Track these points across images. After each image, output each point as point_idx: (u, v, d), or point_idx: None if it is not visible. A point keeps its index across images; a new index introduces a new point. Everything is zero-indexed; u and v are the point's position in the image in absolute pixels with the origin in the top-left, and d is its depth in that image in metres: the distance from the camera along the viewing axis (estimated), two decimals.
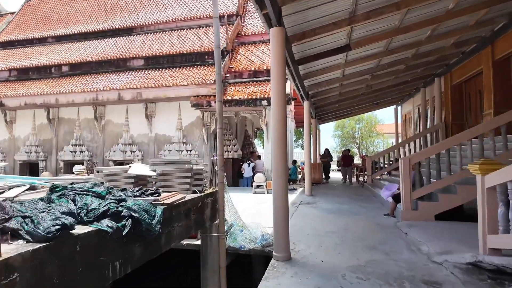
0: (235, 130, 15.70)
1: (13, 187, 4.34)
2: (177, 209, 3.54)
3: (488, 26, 7.32)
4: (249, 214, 7.10)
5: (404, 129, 17.78)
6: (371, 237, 5.17)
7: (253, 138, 19.67)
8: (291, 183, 12.85)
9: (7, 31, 20.80)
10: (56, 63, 16.63)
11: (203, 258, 4.78)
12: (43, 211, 2.27)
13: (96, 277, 2.33)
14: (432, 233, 5.14)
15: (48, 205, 2.41)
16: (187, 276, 5.85)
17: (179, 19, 17.01)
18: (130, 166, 4.41)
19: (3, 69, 17.44)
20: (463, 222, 5.84)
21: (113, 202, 2.66)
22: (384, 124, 36.01)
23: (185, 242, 5.16)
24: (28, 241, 1.94)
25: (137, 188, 3.51)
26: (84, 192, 2.78)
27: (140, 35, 17.29)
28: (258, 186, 11.52)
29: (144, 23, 17.53)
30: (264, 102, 12.38)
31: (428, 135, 11.83)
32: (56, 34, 18.90)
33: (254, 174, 12.66)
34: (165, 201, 3.33)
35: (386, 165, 12.36)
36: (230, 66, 14.08)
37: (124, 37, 17.45)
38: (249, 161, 13.35)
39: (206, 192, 4.55)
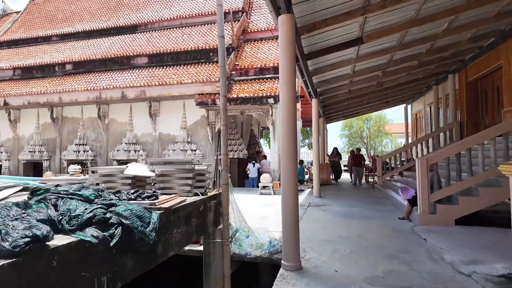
0: (240, 129, 15.33)
1: (4, 188, 4.05)
2: (176, 214, 3.19)
3: (508, 18, 6.86)
4: (255, 217, 6.76)
5: (415, 129, 17.25)
6: (388, 243, 4.78)
7: (259, 138, 19.31)
8: (298, 184, 12.44)
9: (12, 30, 20.77)
10: (60, 62, 16.46)
11: (206, 266, 4.43)
12: (16, 219, 1.93)
13: None
14: (454, 240, 4.74)
15: (24, 211, 2.07)
16: (189, 285, 5.49)
17: (184, 16, 16.73)
18: (127, 166, 4.09)
19: (7, 68, 17.34)
20: (484, 227, 5.43)
21: (101, 208, 2.32)
22: (393, 123, 35.34)
23: (186, 247, 4.81)
24: None
25: (132, 191, 3.18)
26: (69, 196, 2.44)
27: (144, 32, 17.04)
28: (264, 187, 11.16)
29: (148, 21, 17.29)
30: (271, 100, 11.98)
31: (442, 134, 11.37)
32: (60, 33, 18.80)
33: (259, 174, 12.30)
34: (162, 205, 2.99)
35: (397, 166, 11.90)
36: (236, 63, 13.71)
37: (128, 34, 17.22)
38: (254, 161, 13.01)
39: (209, 194, 4.20)
